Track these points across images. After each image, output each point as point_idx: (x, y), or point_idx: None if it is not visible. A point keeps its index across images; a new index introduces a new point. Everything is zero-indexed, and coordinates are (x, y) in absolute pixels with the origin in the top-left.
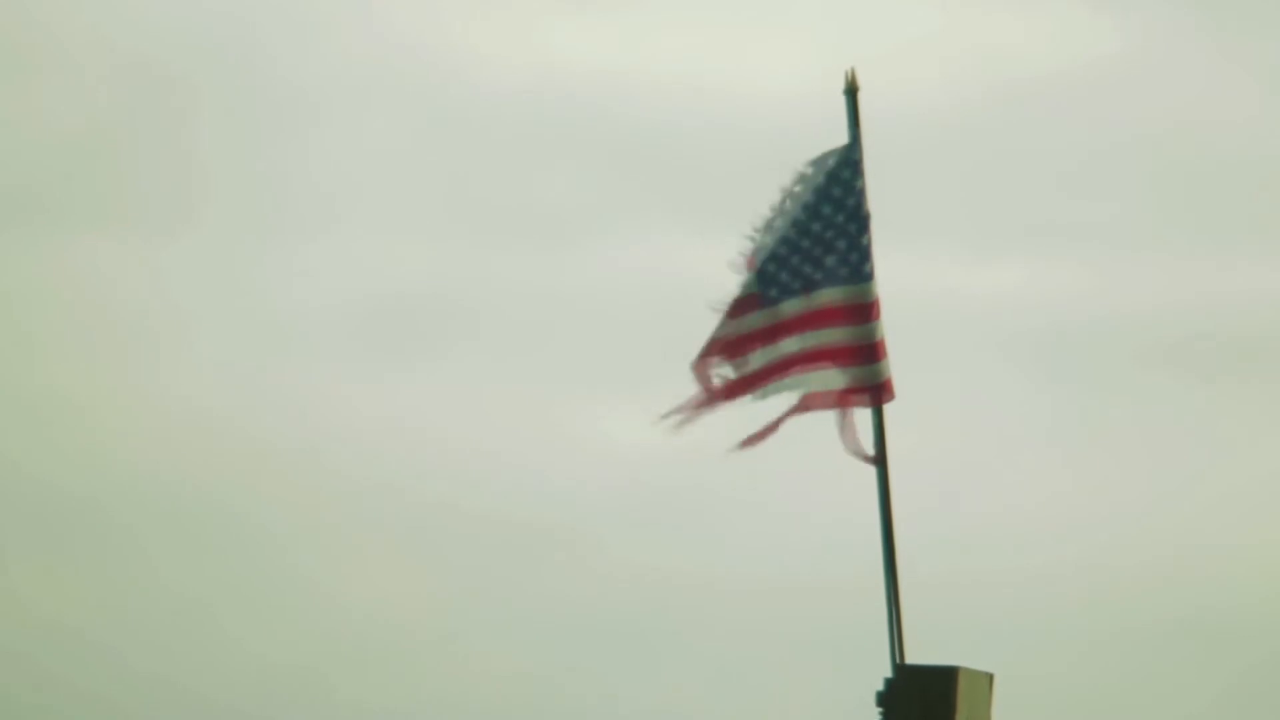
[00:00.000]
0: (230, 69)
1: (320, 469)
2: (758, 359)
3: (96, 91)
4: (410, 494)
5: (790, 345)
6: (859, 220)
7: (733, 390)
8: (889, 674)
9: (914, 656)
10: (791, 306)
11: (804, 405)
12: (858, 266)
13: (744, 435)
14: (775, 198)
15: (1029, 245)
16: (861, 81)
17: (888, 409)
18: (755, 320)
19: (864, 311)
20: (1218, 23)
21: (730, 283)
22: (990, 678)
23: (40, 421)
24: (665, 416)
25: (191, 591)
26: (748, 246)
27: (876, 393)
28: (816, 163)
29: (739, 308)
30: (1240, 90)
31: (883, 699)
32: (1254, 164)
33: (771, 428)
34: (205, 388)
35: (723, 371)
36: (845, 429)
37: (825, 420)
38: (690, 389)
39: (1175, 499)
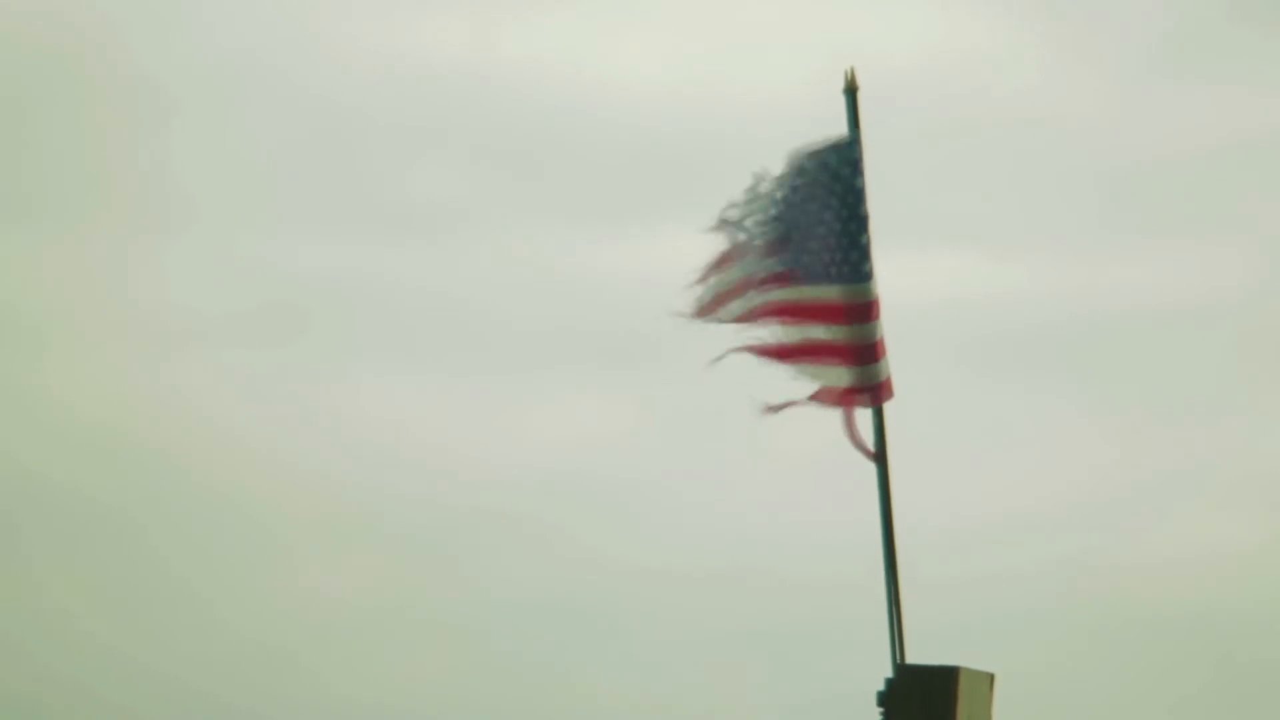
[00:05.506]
0: (97, 62)
1: (215, 466)
2: (788, 333)
3: None
4: (355, 486)
5: (818, 332)
6: (859, 220)
7: (767, 352)
8: (889, 674)
9: (914, 656)
10: (828, 291)
11: (816, 398)
12: (857, 266)
13: (770, 402)
14: (771, 186)
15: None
16: (860, 82)
17: (887, 407)
18: (792, 293)
19: (864, 311)
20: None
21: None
22: (991, 678)
23: None
24: (718, 358)
25: (166, 585)
26: (760, 238)
27: (876, 392)
28: (814, 156)
29: (775, 280)
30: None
31: (883, 699)
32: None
33: (795, 404)
34: (95, 390)
35: (759, 334)
36: (849, 426)
37: (822, 418)
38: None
39: (1173, 497)
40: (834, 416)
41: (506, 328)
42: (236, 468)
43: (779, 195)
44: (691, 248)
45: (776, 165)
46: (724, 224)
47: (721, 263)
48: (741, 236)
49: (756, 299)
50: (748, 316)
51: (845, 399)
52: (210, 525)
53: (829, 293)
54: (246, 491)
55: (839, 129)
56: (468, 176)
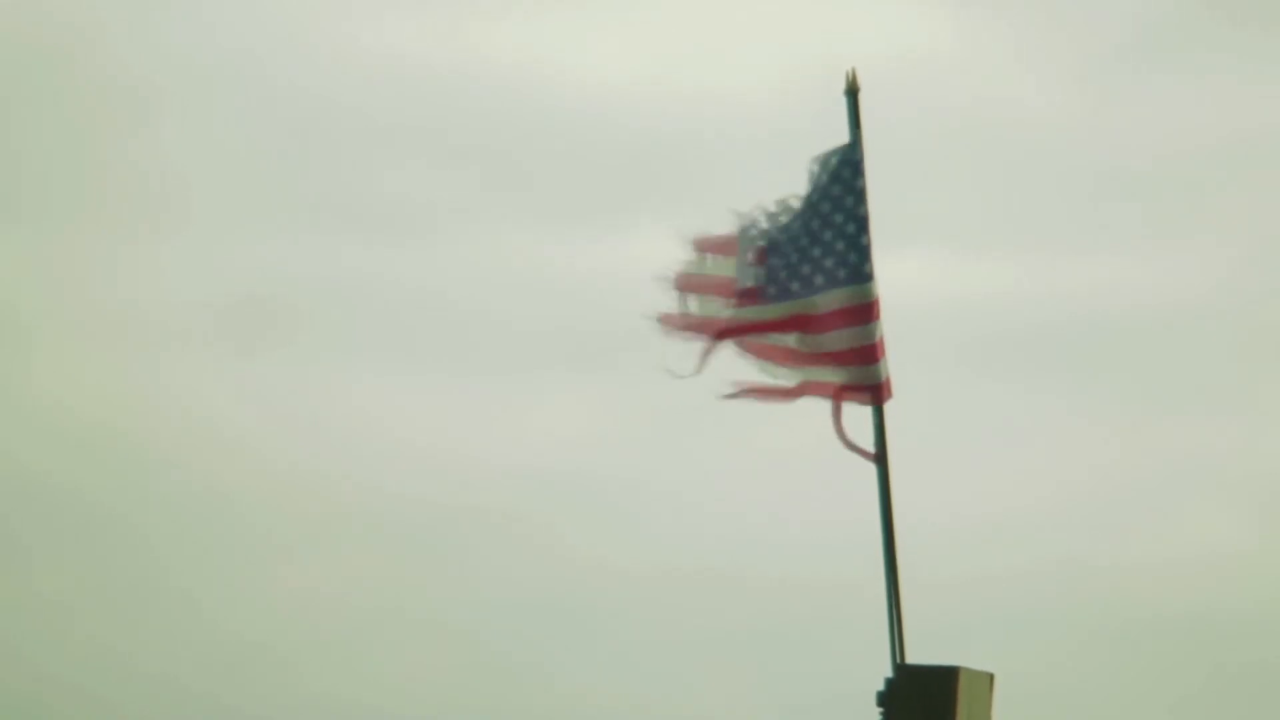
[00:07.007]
0: (87, 62)
1: (201, 467)
2: (753, 340)
3: None
4: (351, 486)
5: (788, 340)
6: (857, 220)
7: (727, 333)
8: (889, 674)
9: (914, 656)
10: (789, 308)
11: (800, 390)
12: (857, 267)
13: (736, 388)
14: (785, 197)
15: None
16: (862, 82)
17: (887, 407)
18: (752, 313)
19: (864, 312)
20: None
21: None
22: (990, 678)
23: None
24: (681, 368)
25: (163, 585)
26: (758, 242)
27: (876, 392)
28: (821, 161)
29: (744, 296)
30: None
31: (883, 699)
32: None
33: (765, 393)
34: (88, 389)
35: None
36: (839, 424)
37: (823, 418)
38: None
39: (1173, 497)
40: (829, 417)
41: (501, 328)
42: (233, 467)
43: (795, 206)
44: (684, 246)
45: (779, 172)
46: (741, 217)
47: (719, 248)
48: (753, 233)
49: (728, 311)
50: (711, 328)
51: (841, 396)
52: (207, 525)
53: (829, 299)
54: (243, 491)
55: (820, 128)
56: (460, 176)
